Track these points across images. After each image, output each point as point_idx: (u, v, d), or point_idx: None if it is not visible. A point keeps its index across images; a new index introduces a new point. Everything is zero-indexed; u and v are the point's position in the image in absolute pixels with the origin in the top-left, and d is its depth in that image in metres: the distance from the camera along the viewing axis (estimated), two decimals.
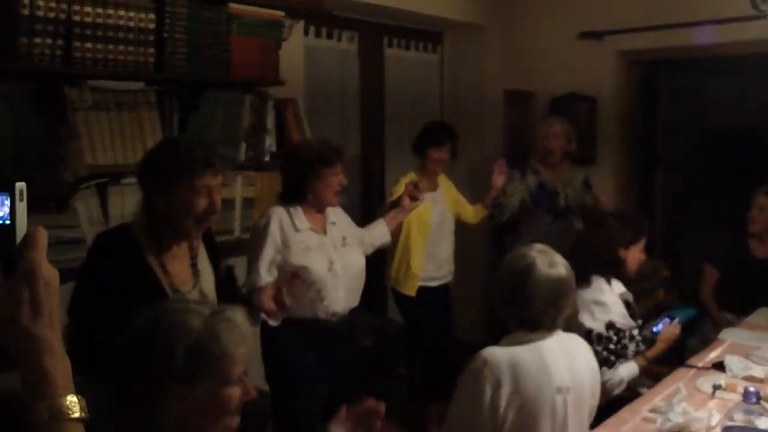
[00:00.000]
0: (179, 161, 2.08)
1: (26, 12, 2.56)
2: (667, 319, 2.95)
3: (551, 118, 4.53)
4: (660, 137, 6.07)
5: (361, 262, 2.99)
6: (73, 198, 2.75)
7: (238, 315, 1.50)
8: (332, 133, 4.27)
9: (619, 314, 2.78)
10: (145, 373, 1.41)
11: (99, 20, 2.75)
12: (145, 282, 2.07)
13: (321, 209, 2.90)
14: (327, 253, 2.85)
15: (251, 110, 3.35)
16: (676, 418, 2.18)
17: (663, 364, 2.98)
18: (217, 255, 2.37)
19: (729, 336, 3.13)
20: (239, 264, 3.05)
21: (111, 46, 2.80)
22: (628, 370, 2.71)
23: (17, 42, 2.56)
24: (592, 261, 2.83)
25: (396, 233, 3.57)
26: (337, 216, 2.99)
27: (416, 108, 4.95)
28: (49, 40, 2.63)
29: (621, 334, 2.73)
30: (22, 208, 0.92)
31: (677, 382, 2.55)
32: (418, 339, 4.03)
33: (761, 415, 1.81)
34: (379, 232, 3.23)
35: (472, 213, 4.18)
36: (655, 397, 2.48)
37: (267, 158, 3.41)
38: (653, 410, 2.36)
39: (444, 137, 3.96)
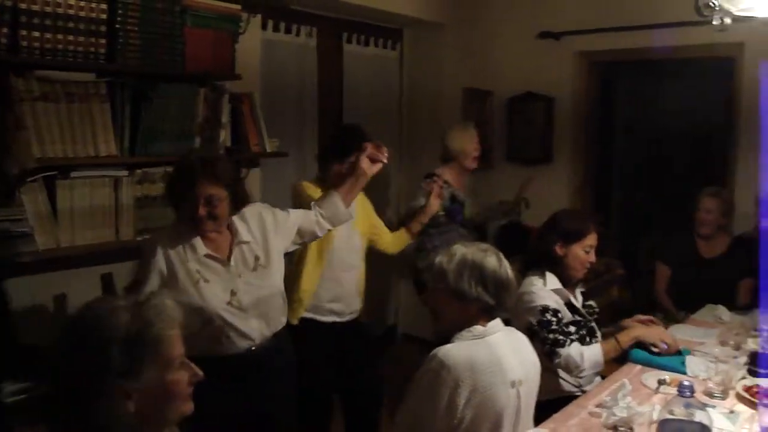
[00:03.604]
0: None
1: None
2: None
3: (466, 124, 4.23)
4: (617, 138, 6.18)
5: (275, 284, 2.57)
6: (20, 191, 2.69)
7: (165, 299, 1.50)
8: (289, 129, 4.27)
9: (551, 301, 2.79)
10: (85, 379, 1.39)
11: (47, 8, 2.71)
12: None
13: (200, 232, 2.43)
14: (228, 283, 2.44)
15: (205, 104, 3.32)
16: (620, 412, 2.22)
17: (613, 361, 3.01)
18: None
19: (675, 332, 3.18)
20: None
21: (60, 36, 2.76)
22: (591, 350, 2.71)
23: None
24: (528, 257, 2.93)
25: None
26: (253, 228, 2.56)
27: (375, 105, 4.95)
28: None
29: (561, 315, 2.76)
30: None
31: (623, 377, 2.59)
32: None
33: (699, 408, 1.84)
34: (332, 210, 2.76)
35: (390, 241, 3.49)
36: (602, 393, 2.51)
37: (221, 152, 3.38)
38: (599, 405, 2.39)
39: (347, 147, 3.10)
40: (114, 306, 1.45)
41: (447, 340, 2.18)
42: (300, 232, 2.73)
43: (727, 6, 2.48)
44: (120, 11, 2.95)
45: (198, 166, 2.37)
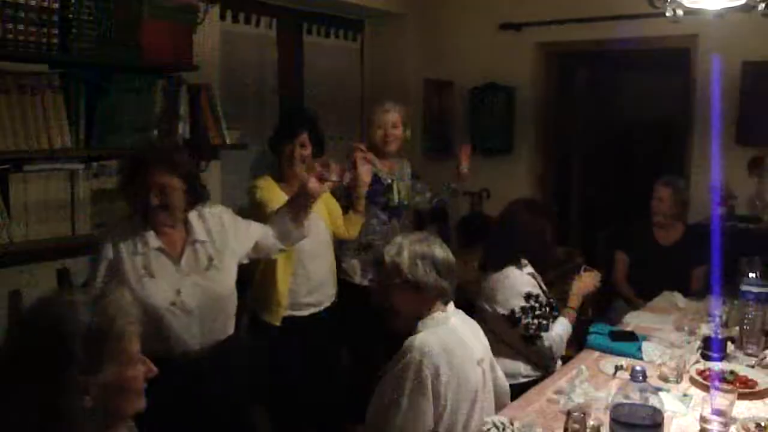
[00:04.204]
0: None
1: None
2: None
3: (388, 104, 3.80)
4: (576, 128, 6.24)
5: (226, 288, 2.45)
6: None
7: (123, 293, 1.49)
8: (249, 121, 4.23)
9: (530, 286, 2.86)
10: (45, 373, 1.37)
11: None
12: None
13: (153, 226, 2.34)
14: (174, 282, 2.32)
15: (163, 96, 3.28)
16: (577, 398, 2.25)
17: (571, 348, 3.06)
18: None
19: (633, 319, 3.24)
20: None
21: (9, 25, 2.71)
22: (561, 326, 2.86)
23: None
24: (514, 247, 2.91)
25: None
26: (211, 228, 2.45)
27: (336, 97, 4.93)
28: None
29: (541, 299, 2.85)
30: None
31: (581, 363, 2.62)
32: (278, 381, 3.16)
33: (653, 393, 1.87)
34: (282, 232, 2.68)
35: (345, 226, 3.41)
36: (561, 379, 2.55)
37: (179, 144, 3.33)
38: (557, 391, 2.42)
39: (295, 127, 3.17)
40: (73, 300, 1.44)
41: (409, 333, 2.20)
42: (257, 247, 2.63)
43: None
44: (73, 1, 2.90)
45: (151, 155, 2.32)
